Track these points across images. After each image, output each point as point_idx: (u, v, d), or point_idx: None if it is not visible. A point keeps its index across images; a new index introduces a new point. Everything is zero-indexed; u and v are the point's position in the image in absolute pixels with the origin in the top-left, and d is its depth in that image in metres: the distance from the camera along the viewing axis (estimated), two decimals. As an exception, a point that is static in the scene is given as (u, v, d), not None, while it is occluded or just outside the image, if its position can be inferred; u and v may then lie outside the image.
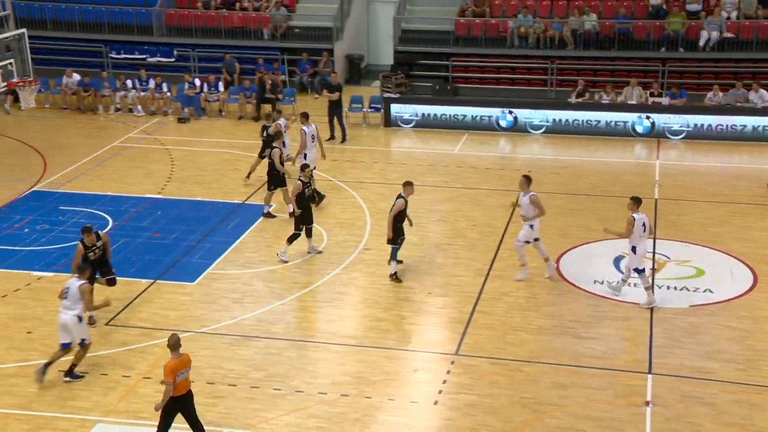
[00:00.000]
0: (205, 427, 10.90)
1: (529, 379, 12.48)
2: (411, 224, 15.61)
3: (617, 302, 14.54)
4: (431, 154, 22.08)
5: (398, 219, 15.17)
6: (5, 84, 22.36)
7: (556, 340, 13.47)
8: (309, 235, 16.08)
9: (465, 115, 23.62)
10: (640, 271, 14.21)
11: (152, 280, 15.20)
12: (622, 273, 14.92)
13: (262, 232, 17.23)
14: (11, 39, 22.52)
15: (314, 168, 17.88)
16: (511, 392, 12.16)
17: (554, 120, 23.32)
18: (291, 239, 15.83)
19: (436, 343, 13.51)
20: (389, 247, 16.37)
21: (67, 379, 12.29)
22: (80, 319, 12.13)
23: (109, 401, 11.89)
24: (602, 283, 15.13)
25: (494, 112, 23.49)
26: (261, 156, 19.12)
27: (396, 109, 23.92)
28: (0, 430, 11.31)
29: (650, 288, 14.38)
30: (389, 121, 23.93)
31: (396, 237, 15.16)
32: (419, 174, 20.49)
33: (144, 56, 27.96)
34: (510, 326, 13.87)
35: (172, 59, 28.01)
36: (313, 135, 18.52)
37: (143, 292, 14.84)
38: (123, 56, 28.02)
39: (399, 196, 15.25)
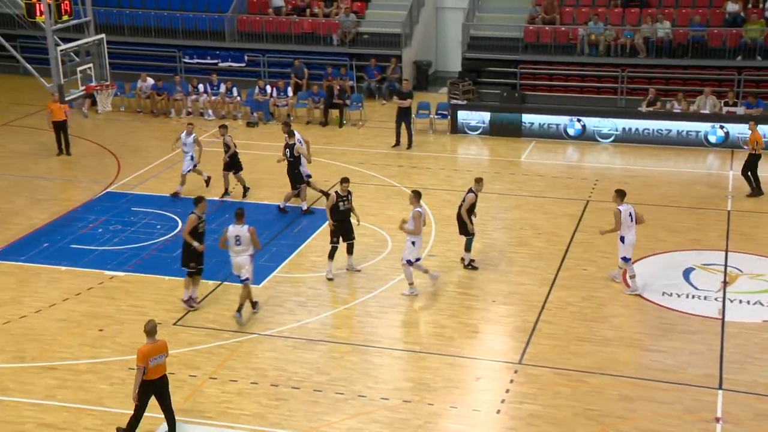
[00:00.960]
0: (241, 425, 11.03)
1: (594, 390, 12.30)
2: (475, 216, 16.02)
3: (686, 315, 14.23)
4: (497, 161, 21.93)
5: (470, 212, 15.65)
6: (84, 88, 23.00)
7: (622, 352, 13.24)
8: (350, 251, 15.75)
9: (532, 123, 23.42)
10: (627, 260, 14.66)
11: (219, 282, 15.43)
12: (693, 286, 14.65)
13: (327, 236, 17.32)
14: (91, 44, 23.14)
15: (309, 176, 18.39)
16: (575, 403, 11.99)
17: (624, 129, 22.96)
18: (331, 255, 15.57)
19: (499, 351, 13.42)
20: (453, 255, 16.35)
21: (239, 315, 13.88)
22: (252, 258, 13.93)
23: (176, 400, 12.09)
24: (671, 295, 14.83)
25: (562, 120, 23.24)
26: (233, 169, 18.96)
27: (463, 115, 23.85)
28: (73, 424, 11.61)
29: (634, 276, 14.76)
30: (456, 128, 23.87)
31: (471, 229, 15.61)
32: (485, 181, 20.27)
33: (215, 61, 28.46)
34: (574, 336, 13.69)
35: (243, 64, 28.43)
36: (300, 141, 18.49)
37: (210, 293, 15.08)
38: (195, 61, 28.56)
39: (470, 191, 15.77)
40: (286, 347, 13.44)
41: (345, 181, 15.56)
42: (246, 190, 19.14)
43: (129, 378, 12.55)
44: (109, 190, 19.88)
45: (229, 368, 12.82)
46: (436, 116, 24.35)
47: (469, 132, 23.83)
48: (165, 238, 17.22)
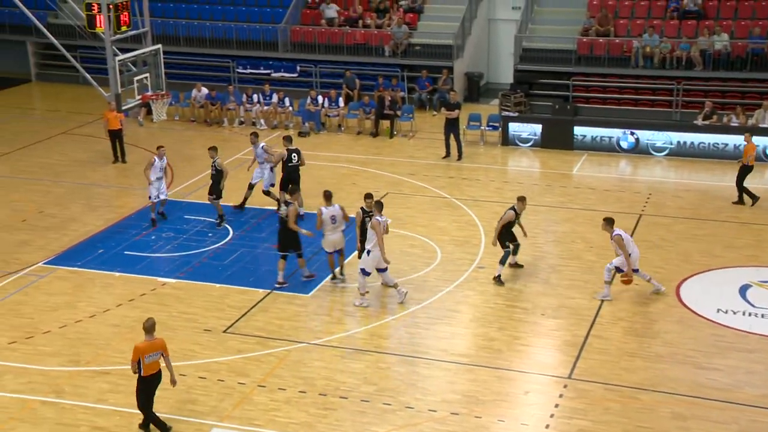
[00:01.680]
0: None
1: (645, 407, 12.09)
2: (525, 235, 15.92)
3: (743, 333, 13.92)
4: (549, 174, 21.77)
5: (506, 227, 15.63)
6: (140, 97, 23.41)
7: (675, 369, 13.00)
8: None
9: (585, 135, 23.19)
10: (636, 271, 14.76)
11: (269, 291, 15.55)
12: (750, 303, 14.36)
13: (377, 247, 17.36)
14: (148, 54, 23.55)
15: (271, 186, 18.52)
16: (626, 420, 11.80)
17: (678, 142, 22.60)
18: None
19: (548, 365, 13.29)
20: (504, 268, 16.24)
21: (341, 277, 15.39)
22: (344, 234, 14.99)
23: (225, 407, 12.21)
24: (726, 312, 14.53)
25: (615, 132, 22.97)
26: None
27: (514, 127, 23.73)
28: (125, 428, 11.76)
29: (610, 283, 14.88)
30: (507, 140, 23.75)
31: (504, 240, 15.55)
32: (536, 194, 20.24)
33: (268, 71, 28.75)
34: (625, 352, 13.49)
35: (295, 74, 28.67)
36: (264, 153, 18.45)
37: (260, 301, 15.19)
38: (249, 71, 28.89)
39: (511, 209, 15.69)
40: (334, 356, 13.47)
41: (368, 197, 15.30)
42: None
43: (179, 384, 12.70)
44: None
45: (277, 376, 12.90)
46: (487, 128, 24.27)
47: (520, 144, 23.69)
48: (216, 246, 17.41)
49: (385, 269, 14.99)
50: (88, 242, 17.67)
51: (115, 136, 22.11)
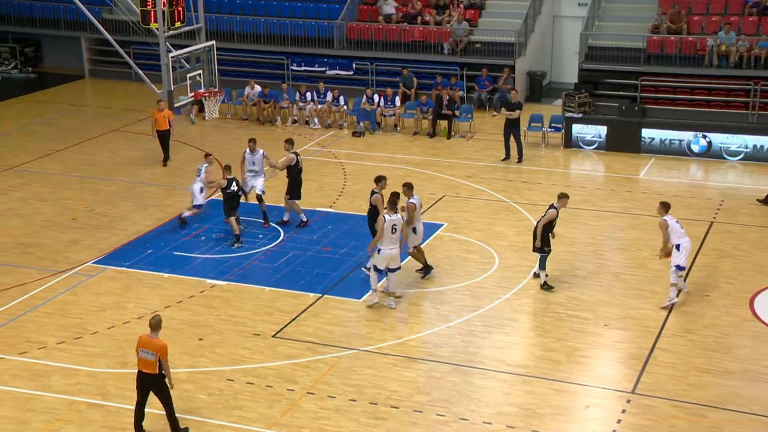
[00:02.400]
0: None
1: (714, 426, 11.81)
2: (553, 236, 15.81)
3: (820, 350, 13.51)
4: (614, 178, 21.47)
5: (547, 228, 15.50)
6: (192, 94, 23.69)
7: (747, 387, 12.67)
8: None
9: (653, 138, 22.82)
10: (681, 269, 14.72)
11: (320, 295, 15.61)
12: None
13: (432, 251, 17.31)
14: (201, 51, 23.82)
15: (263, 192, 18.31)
16: (693, 440, 11.54)
17: (755, 146, 22.08)
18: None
19: (611, 379, 13.08)
20: (561, 275, 16.05)
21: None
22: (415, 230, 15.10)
23: (273, 414, 12.27)
24: (803, 327, 14.12)
25: (686, 135, 22.54)
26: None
27: (578, 129, 23.46)
28: (169, 432, 11.92)
29: (678, 290, 14.87)
30: (570, 142, 23.49)
31: (543, 245, 15.45)
32: (600, 199, 19.97)
33: (323, 69, 28.90)
34: (694, 367, 13.20)
35: (351, 72, 28.77)
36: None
37: (310, 306, 15.26)
38: (303, 68, 29.07)
39: (552, 207, 15.62)
40: (385, 364, 13.45)
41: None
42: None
43: (227, 389, 12.82)
44: (213, 197, 20.41)
45: (327, 383, 12.93)
46: (549, 129, 24.04)
47: (583, 146, 23.41)
48: (267, 248, 17.54)
49: (397, 269, 14.94)
50: (138, 242, 17.96)
51: (163, 136, 22.31)
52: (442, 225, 18.47)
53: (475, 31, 28.22)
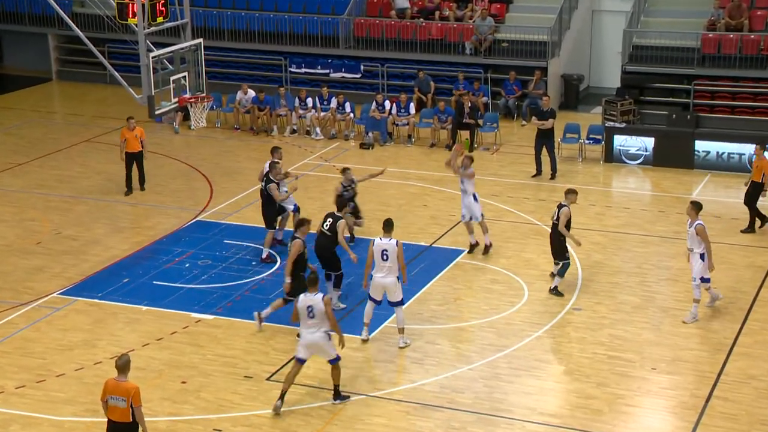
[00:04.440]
0: None
1: (780, 488, 11.73)
2: (579, 244, 16.56)
3: None
4: (662, 197, 21.47)
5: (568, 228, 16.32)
6: (176, 100, 23.77)
7: (818, 442, 12.60)
8: None
9: (708, 152, 22.84)
10: (707, 281, 15.42)
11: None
12: None
13: (452, 281, 17.32)
14: (187, 50, 23.90)
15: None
16: (755, 503, 11.47)
17: (825, 161, 22.02)
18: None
19: (660, 431, 12.97)
20: (605, 310, 16.05)
21: (338, 401, 13.63)
22: (329, 336, 13.45)
23: (266, 468, 12.25)
24: None
25: (747, 148, 22.53)
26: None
27: (620, 141, 23.49)
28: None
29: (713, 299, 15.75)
30: (611, 156, 23.52)
31: (564, 252, 16.50)
32: (646, 221, 19.97)
33: (327, 71, 29.08)
34: (758, 419, 13.16)
35: (358, 75, 28.93)
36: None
37: (311, 343, 15.24)
38: (303, 71, 29.26)
39: (561, 206, 16.47)
40: (397, 412, 13.43)
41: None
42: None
43: (213, 439, 12.81)
44: (198, 218, 20.49)
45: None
46: (587, 141, 24.08)
47: (627, 161, 23.43)
48: (261, 276, 17.58)
49: (400, 303, 15.07)
50: (112, 269, 18.02)
51: (133, 159, 21.70)
52: (462, 251, 18.47)
53: (502, 28, 28.35)
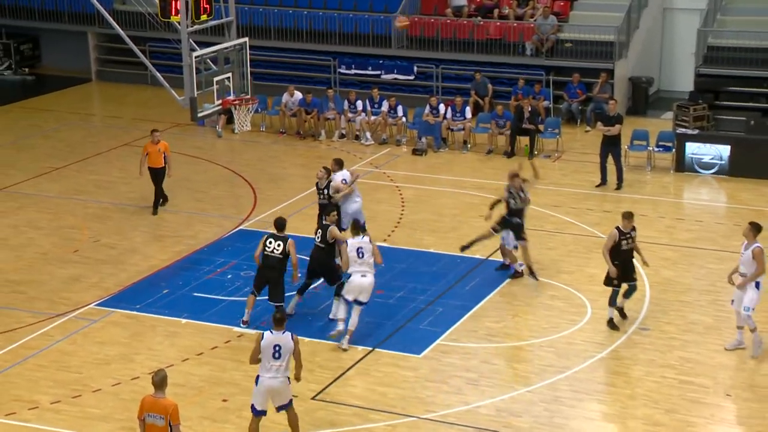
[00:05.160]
0: None
1: None
2: (647, 264, 16.27)
3: None
4: (739, 210, 21.20)
5: (614, 255, 15.75)
6: (220, 102, 23.97)
7: None
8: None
9: (791, 161, 22.59)
10: (751, 310, 15.15)
11: (370, 348, 15.63)
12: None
13: (509, 297, 17.24)
14: (231, 50, 24.10)
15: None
16: None
17: None
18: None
19: (733, 463, 12.87)
20: (674, 330, 15.87)
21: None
22: (288, 379, 12.89)
23: (310, 493, 12.27)
24: None
25: (832, 157, 22.24)
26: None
27: (693, 149, 23.26)
28: None
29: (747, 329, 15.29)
30: (683, 165, 23.30)
31: (610, 276, 15.85)
32: (721, 236, 19.72)
33: (378, 72, 29.16)
34: (840, 451, 12.90)
35: (411, 77, 28.97)
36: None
37: (359, 362, 15.28)
38: (353, 72, 29.37)
39: (616, 228, 16.02)
40: (450, 437, 13.40)
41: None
42: None
43: (255, 461, 12.84)
44: (242, 227, 20.61)
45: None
46: (656, 149, 23.87)
47: (700, 171, 23.18)
48: (307, 289, 17.64)
49: (364, 304, 15.57)
50: (151, 280, 18.19)
51: (156, 175, 21.15)
52: (521, 265, 18.39)
53: (565, 28, 28.24)
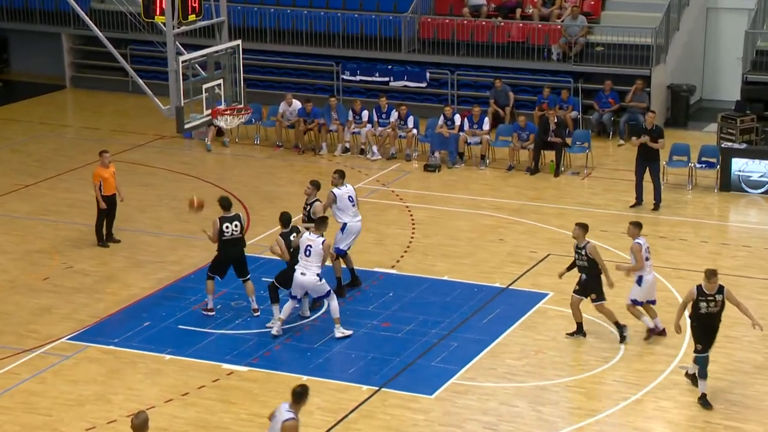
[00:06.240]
0: None
1: None
2: (758, 327, 15.29)
3: None
4: (791, 233, 21.22)
5: (693, 317, 15.17)
6: (209, 112, 24.01)
7: None
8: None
9: None
10: (638, 303, 16.69)
11: (376, 388, 15.60)
12: None
13: (532, 331, 17.22)
14: (222, 53, 24.16)
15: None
16: None
17: None
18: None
19: None
20: (717, 368, 15.83)
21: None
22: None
23: None
24: None
25: None
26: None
27: (740, 165, 23.28)
28: None
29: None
30: (729, 183, 23.31)
31: (697, 335, 15.11)
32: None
33: (386, 79, 29.22)
34: None
35: (423, 84, 29.04)
36: (350, 197, 18.58)
37: (363, 403, 15.25)
38: (359, 78, 29.44)
39: (697, 287, 15.15)
40: (465, 488, 13.38)
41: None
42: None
43: None
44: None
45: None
46: (698, 165, 23.87)
47: (748, 190, 23.19)
48: (305, 321, 17.63)
49: (328, 294, 16.91)
50: (130, 311, 18.19)
51: (113, 204, 20.81)
52: (546, 295, 18.38)
53: (596, 30, 28.31)
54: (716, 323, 15.13)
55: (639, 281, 16.70)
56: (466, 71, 28.73)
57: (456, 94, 28.67)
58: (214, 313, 17.82)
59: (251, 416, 14.97)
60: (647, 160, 22.28)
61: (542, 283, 18.79)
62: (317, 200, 18.44)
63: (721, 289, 14.94)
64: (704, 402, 15.00)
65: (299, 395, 11.89)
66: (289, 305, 16.98)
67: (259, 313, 17.68)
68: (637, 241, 16.70)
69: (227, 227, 17.44)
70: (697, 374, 15.14)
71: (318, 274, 16.67)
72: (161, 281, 19.28)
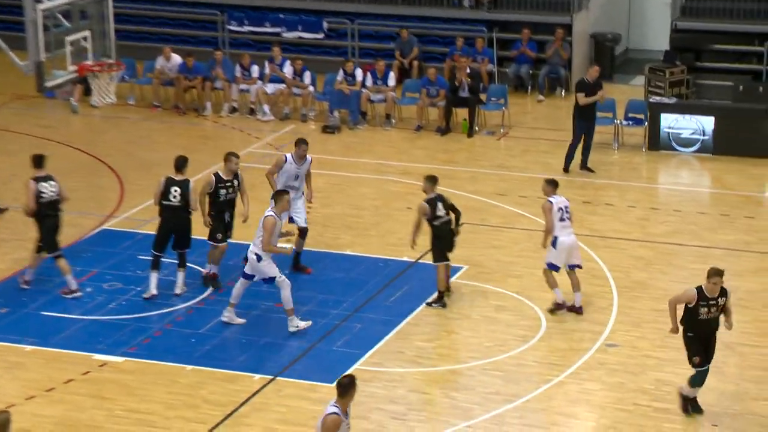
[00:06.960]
0: None
1: None
2: (730, 326, 14.50)
3: None
4: (726, 196, 21.56)
5: (689, 322, 14.18)
6: (75, 68, 23.61)
7: None
8: None
9: (789, 135, 22.98)
10: (554, 267, 16.94)
11: (270, 377, 15.53)
12: None
13: (444, 309, 17.25)
14: (89, 0, 23.76)
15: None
16: None
17: None
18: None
19: None
20: (647, 345, 15.96)
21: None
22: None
23: None
24: None
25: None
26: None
27: (669, 121, 23.56)
28: None
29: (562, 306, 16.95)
30: (657, 142, 23.59)
31: (690, 345, 14.19)
32: (704, 229, 20.01)
33: (278, 29, 29.04)
34: None
35: (320, 35, 28.92)
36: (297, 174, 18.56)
37: (255, 394, 15.16)
38: (247, 29, 29.26)
39: (697, 288, 14.19)
40: (370, 486, 13.39)
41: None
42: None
43: None
44: (105, 226, 20.34)
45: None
46: (625, 122, 24.13)
47: (679, 148, 23.49)
48: (188, 304, 17.44)
49: (273, 280, 16.59)
50: (-14, 296, 17.90)
51: None
52: (460, 268, 18.41)
53: (512, -28, 28.42)
54: (715, 330, 14.36)
55: (554, 243, 16.93)
56: (367, 20, 28.64)
57: (357, 46, 28.61)
58: (80, 294, 17.56)
59: (127, 412, 14.78)
60: (589, 119, 22.27)
61: (456, 256, 18.73)
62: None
63: (724, 292, 14.12)
64: (695, 406, 14.53)
65: (345, 387, 11.60)
66: (241, 286, 16.71)
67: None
68: (549, 199, 17.02)
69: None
70: (689, 382, 14.45)
71: (257, 253, 16.36)
72: (20, 262, 18.87)
